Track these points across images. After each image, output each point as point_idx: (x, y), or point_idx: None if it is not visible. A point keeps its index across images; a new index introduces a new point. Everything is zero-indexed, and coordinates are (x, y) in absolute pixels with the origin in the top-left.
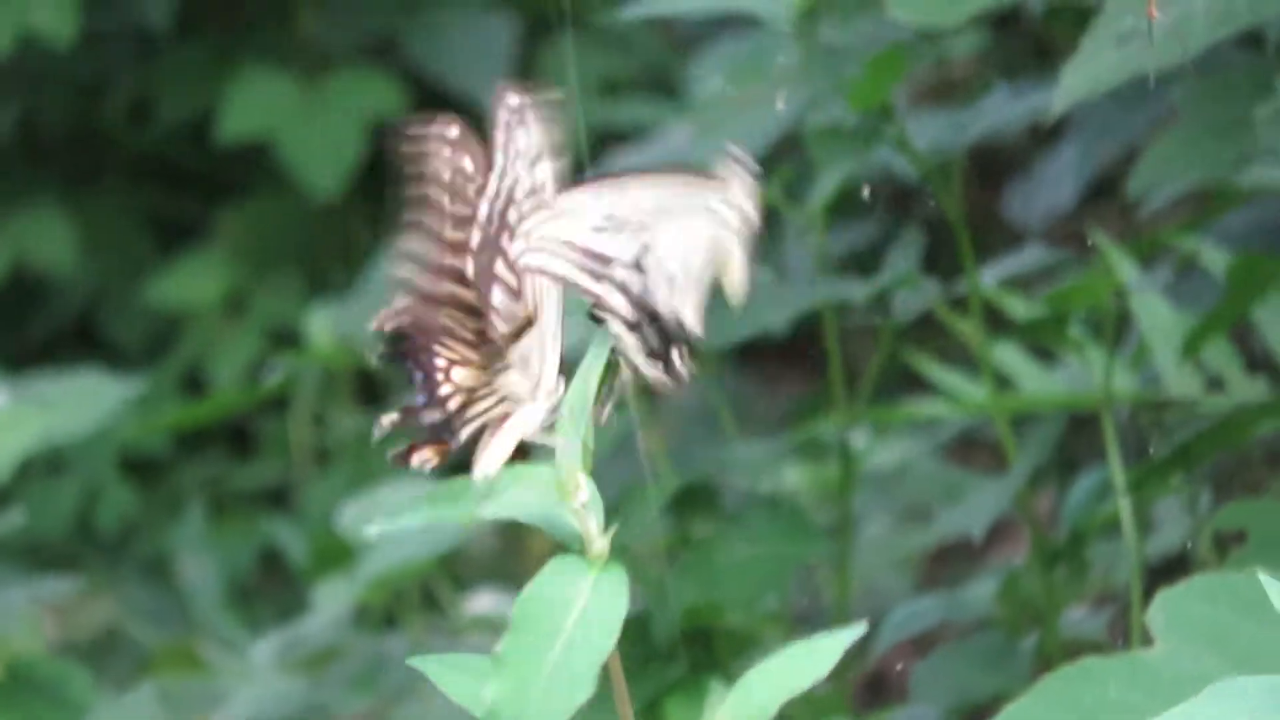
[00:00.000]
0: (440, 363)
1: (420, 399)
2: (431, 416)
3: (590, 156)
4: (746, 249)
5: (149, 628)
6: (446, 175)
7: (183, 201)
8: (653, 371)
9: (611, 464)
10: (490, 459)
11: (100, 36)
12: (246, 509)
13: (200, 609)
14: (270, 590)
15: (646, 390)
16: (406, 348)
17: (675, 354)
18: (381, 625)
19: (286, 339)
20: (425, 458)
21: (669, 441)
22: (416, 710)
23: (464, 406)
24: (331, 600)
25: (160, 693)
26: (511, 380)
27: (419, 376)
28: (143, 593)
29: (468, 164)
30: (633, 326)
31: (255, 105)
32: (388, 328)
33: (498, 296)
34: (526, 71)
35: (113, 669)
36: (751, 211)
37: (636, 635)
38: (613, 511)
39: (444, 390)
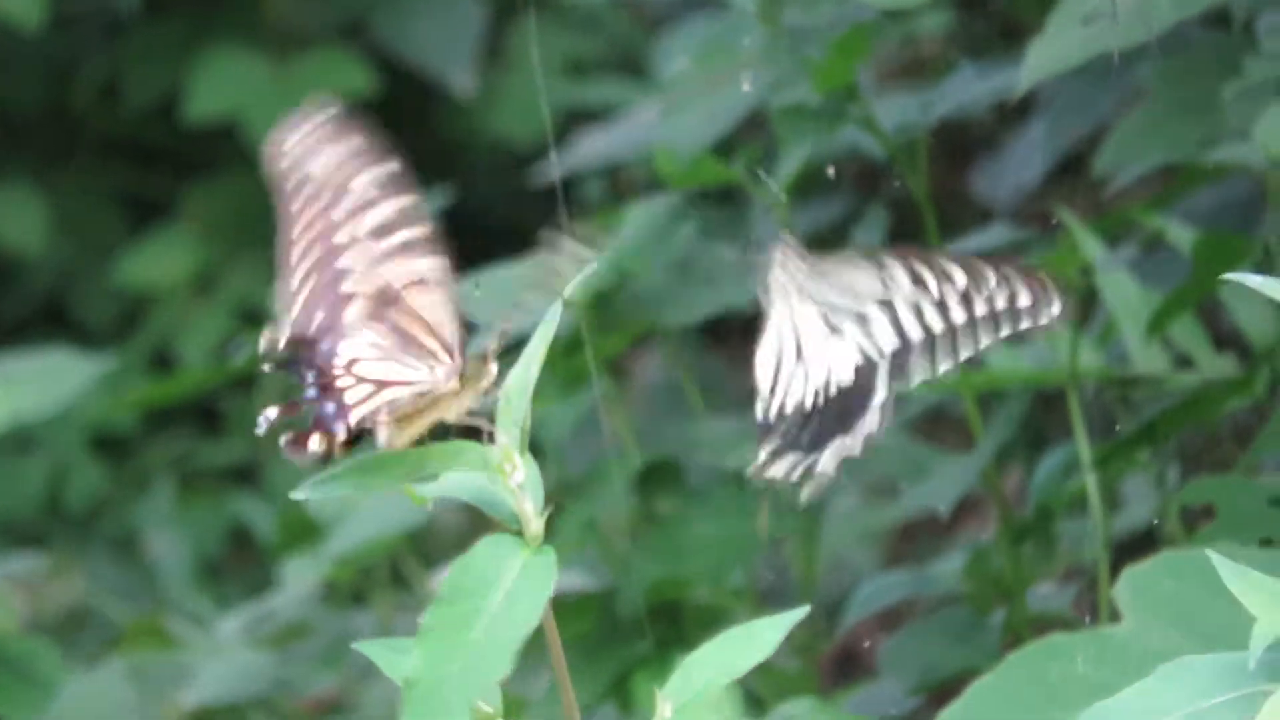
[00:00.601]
0: (340, 360)
1: (312, 393)
2: (325, 408)
3: (556, 137)
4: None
5: (118, 604)
6: (335, 171)
7: (153, 180)
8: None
9: (577, 441)
10: (398, 434)
11: (69, 18)
12: (214, 486)
13: (169, 585)
14: (238, 567)
15: (611, 367)
16: (297, 354)
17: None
18: (349, 602)
19: (255, 318)
20: (315, 445)
21: (635, 418)
22: (383, 687)
23: (364, 398)
24: (299, 577)
25: (129, 669)
26: (418, 369)
27: (310, 375)
28: (112, 570)
29: (337, 153)
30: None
31: (224, 85)
32: (268, 344)
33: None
34: (494, 53)
35: (82, 645)
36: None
37: (603, 611)
38: (579, 488)
39: (342, 383)
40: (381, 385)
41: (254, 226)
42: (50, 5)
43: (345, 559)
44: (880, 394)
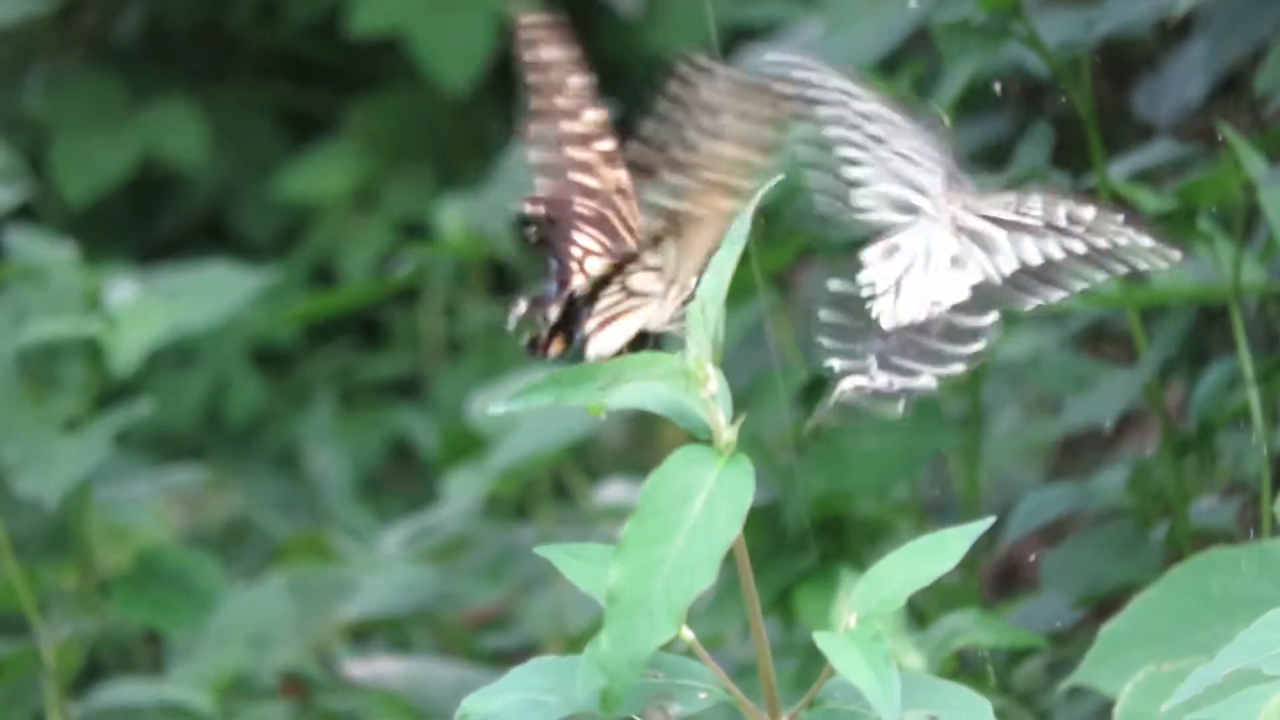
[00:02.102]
0: (576, 251)
1: (550, 289)
2: (560, 305)
3: (721, 54)
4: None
5: (278, 518)
6: (552, 68)
7: (312, 96)
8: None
9: (742, 354)
10: (606, 341)
11: None
12: (376, 400)
13: (329, 499)
14: (399, 481)
15: (776, 280)
16: (547, 232)
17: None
18: (512, 515)
19: (417, 232)
20: (554, 350)
21: (799, 331)
22: (546, 600)
23: (592, 297)
24: (462, 491)
25: (289, 582)
26: (641, 278)
27: (553, 264)
28: (271, 483)
29: (566, 52)
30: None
31: (386, 1)
32: (531, 209)
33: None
34: None
35: (242, 559)
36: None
37: (767, 525)
38: (743, 402)
39: (575, 280)
40: (630, 294)
41: (415, 142)
42: None
43: (509, 472)
44: (991, 316)
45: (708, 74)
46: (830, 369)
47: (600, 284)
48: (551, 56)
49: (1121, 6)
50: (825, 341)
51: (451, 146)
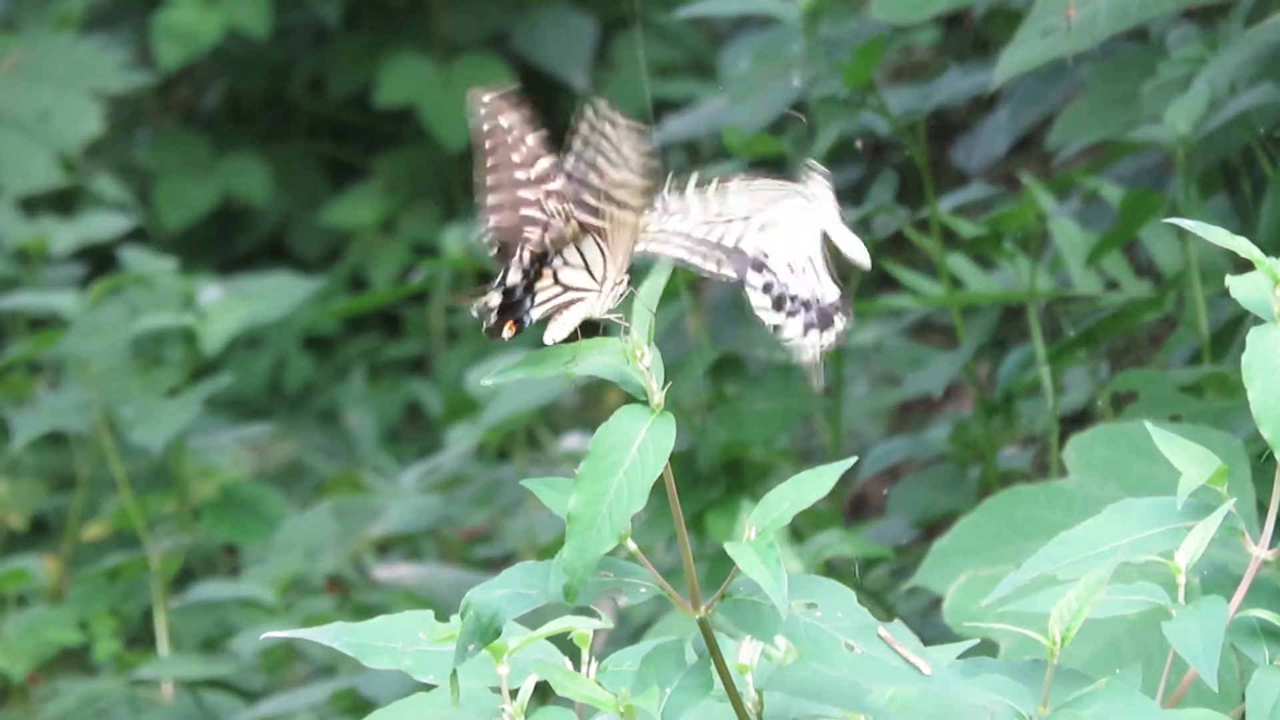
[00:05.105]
0: (536, 263)
1: (502, 289)
2: (509, 300)
3: (653, 120)
4: (844, 222)
5: (323, 461)
6: (511, 129)
7: (349, 150)
8: (808, 341)
9: (667, 339)
10: (557, 330)
11: (287, 28)
12: (395, 374)
13: (361, 447)
14: (412, 434)
15: (691, 287)
16: (503, 250)
17: (834, 322)
18: (496, 459)
19: (426, 251)
20: (507, 331)
21: (709, 324)
22: (521, 521)
23: (528, 289)
24: (459, 440)
25: (332, 508)
26: (570, 274)
27: (503, 271)
28: (318, 435)
29: (520, 119)
30: (771, 295)
31: (403, 81)
32: (487, 238)
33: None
34: (602, 58)
35: (297, 492)
36: (832, 197)
37: (686, 465)
38: (668, 374)
39: (519, 282)
40: (564, 288)
41: (425, 185)
42: (273, 18)
43: (494, 426)
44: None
45: (608, 120)
46: (786, 338)
47: (528, 275)
48: (510, 121)
49: (948, 84)
50: (766, 318)
51: (452, 189)
